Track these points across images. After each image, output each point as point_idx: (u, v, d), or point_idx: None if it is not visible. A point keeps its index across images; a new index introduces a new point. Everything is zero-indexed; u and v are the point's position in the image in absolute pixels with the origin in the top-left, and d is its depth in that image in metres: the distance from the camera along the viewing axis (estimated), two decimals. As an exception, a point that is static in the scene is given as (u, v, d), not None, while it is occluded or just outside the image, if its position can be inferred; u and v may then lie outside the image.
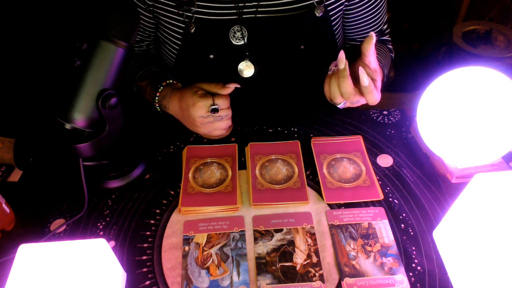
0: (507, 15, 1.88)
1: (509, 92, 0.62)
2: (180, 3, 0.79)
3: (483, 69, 0.64)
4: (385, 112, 0.90)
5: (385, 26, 0.94)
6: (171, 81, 0.83)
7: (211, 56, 0.84)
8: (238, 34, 0.81)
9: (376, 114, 0.90)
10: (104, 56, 0.62)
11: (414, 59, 2.01)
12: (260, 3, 0.79)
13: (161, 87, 0.82)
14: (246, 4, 0.79)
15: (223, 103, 0.75)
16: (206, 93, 0.76)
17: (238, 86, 0.76)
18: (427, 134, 0.72)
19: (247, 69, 0.84)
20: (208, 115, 0.75)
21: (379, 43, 0.93)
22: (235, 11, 0.79)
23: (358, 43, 0.94)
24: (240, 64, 0.84)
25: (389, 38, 0.97)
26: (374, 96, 0.68)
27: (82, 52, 0.62)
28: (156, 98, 0.82)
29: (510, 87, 0.62)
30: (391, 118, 0.89)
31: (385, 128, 0.86)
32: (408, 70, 1.90)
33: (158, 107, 0.83)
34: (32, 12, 1.34)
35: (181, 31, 0.83)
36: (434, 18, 2.03)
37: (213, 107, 0.74)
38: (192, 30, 0.81)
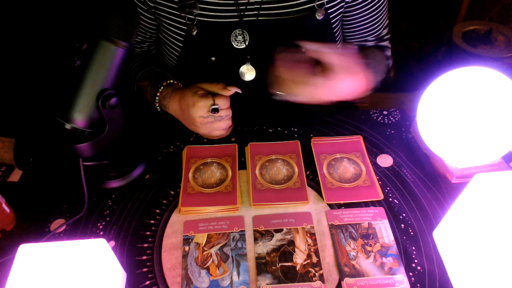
0: (507, 15, 1.88)
1: (509, 92, 0.62)
2: (182, 5, 0.79)
3: (483, 69, 0.64)
4: (385, 112, 0.90)
5: (385, 31, 0.93)
6: (171, 81, 0.83)
7: (213, 59, 0.84)
8: (240, 37, 0.81)
9: (376, 114, 0.90)
10: (104, 56, 0.62)
11: (414, 59, 2.01)
12: (262, 6, 0.79)
13: (162, 87, 0.82)
14: (248, 7, 0.79)
15: (223, 103, 0.75)
16: (207, 93, 0.76)
17: (239, 91, 0.76)
18: (427, 134, 0.72)
19: (248, 72, 0.85)
20: (208, 115, 0.75)
21: (375, 49, 0.93)
22: (236, 14, 0.79)
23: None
24: (242, 67, 0.84)
25: (388, 45, 0.96)
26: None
27: (82, 52, 0.62)
28: (157, 98, 0.82)
29: (510, 87, 0.62)
30: (391, 118, 0.89)
31: (385, 128, 0.86)
32: (408, 70, 1.90)
33: (158, 107, 0.83)
34: (32, 12, 1.34)
35: (183, 33, 0.83)
36: (434, 18, 2.03)
37: (214, 107, 0.74)
38: (194, 33, 0.81)
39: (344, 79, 0.69)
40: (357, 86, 0.75)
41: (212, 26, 0.81)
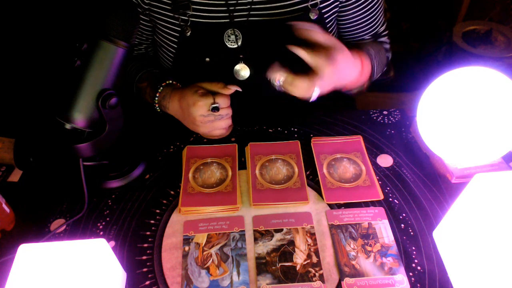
0: (507, 15, 1.88)
1: (509, 92, 0.62)
2: (176, 6, 0.79)
3: (483, 69, 0.64)
4: (385, 112, 0.90)
5: (383, 28, 0.93)
6: (170, 81, 0.83)
7: (207, 59, 0.84)
8: (232, 37, 0.81)
9: (376, 114, 0.90)
10: (104, 56, 0.62)
11: (414, 59, 2.01)
12: (252, 6, 0.79)
13: (161, 88, 0.82)
14: (238, 8, 0.79)
15: (223, 102, 0.75)
16: (207, 92, 0.76)
17: (240, 89, 0.77)
18: (427, 134, 0.72)
19: (242, 71, 0.85)
20: (209, 113, 0.75)
21: (374, 42, 0.93)
22: (228, 14, 0.79)
23: None
24: (236, 66, 0.84)
25: (387, 40, 0.96)
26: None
27: (82, 52, 0.62)
28: (156, 98, 0.82)
29: (510, 87, 0.62)
30: (391, 118, 0.89)
31: (385, 128, 0.86)
32: (408, 70, 1.89)
33: (158, 108, 0.83)
34: (32, 12, 1.34)
35: (177, 35, 0.83)
36: (434, 18, 2.03)
37: (214, 105, 0.74)
38: (188, 34, 0.81)
39: (346, 60, 0.70)
40: (357, 71, 0.75)
41: (205, 26, 0.81)
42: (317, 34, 0.68)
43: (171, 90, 0.80)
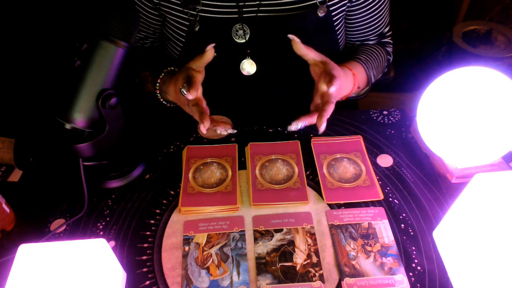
0: (507, 15, 1.88)
1: (509, 92, 0.62)
2: (185, 1, 0.79)
3: (483, 69, 0.64)
4: (385, 112, 0.90)
5: (387, 29, 0.95)
6: (172, 68, 0.83)
7: (214, 55, 0.84)
8: (240, 32, 0.81)
9: (376, 114, 0.90)
10: (104, 56, 0.62)
11: (414, 59, 2.01)
12: (262, 2, 0.79)
13: (162, 74, 0.82)
14: (248, 3, 0.79)
15: (191, 88, 0.68)
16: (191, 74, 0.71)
17: (213, 45, 0.71)
18: (427, 134, 0.72)
19: (249, 67, 0.85)
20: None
21: (378, 46, 0.93)
22: (237, 10, 0.79)
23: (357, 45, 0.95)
24: (242, 62, 0.84)
25: (390, 41, 0.97)
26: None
27: (82, 52, 0.62)
28: (157, 84, 0.81)
29: (510, 87, 0.62)
30: (391, 118, 0.89)
31: (385, 128, 0.86)
32: (408, 70, 1.89)
33: (159, 95, 0.82)
34: (32, 12, 1.34)
35: (186, 29, 0.83)
36: (434, 18, 2.03)
37: (180, 88, 0.69)
38: (197, 29, 0.81)
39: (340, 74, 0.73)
40: (351, 83, 0.79)
41: (213, 22, 0.81)
42: (312, 52, 0.72)
43: (170, 76, 0.80)
